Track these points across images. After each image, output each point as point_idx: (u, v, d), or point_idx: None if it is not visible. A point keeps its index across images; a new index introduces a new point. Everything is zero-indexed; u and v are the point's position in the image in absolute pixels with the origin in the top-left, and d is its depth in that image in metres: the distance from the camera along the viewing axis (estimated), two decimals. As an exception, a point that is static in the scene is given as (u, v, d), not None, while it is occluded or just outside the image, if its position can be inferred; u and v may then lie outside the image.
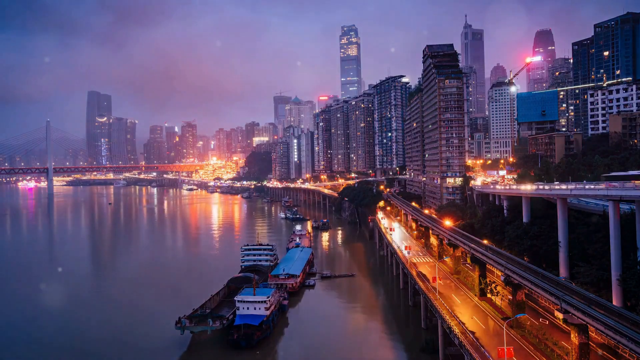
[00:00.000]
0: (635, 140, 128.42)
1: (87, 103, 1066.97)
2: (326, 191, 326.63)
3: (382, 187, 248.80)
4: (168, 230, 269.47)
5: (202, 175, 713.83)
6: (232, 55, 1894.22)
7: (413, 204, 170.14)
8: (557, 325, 62.88)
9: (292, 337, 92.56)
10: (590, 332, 51.34)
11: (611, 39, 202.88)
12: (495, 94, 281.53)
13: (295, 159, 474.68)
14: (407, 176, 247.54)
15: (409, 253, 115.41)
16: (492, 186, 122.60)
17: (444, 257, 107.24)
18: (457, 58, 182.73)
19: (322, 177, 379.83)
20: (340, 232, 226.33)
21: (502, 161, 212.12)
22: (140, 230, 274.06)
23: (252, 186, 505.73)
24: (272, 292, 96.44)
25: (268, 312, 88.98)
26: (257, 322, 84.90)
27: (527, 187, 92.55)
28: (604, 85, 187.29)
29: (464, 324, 64.46)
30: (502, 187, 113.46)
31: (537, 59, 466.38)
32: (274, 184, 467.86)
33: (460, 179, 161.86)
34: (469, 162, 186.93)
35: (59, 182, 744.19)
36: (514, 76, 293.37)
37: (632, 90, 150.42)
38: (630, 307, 55.12)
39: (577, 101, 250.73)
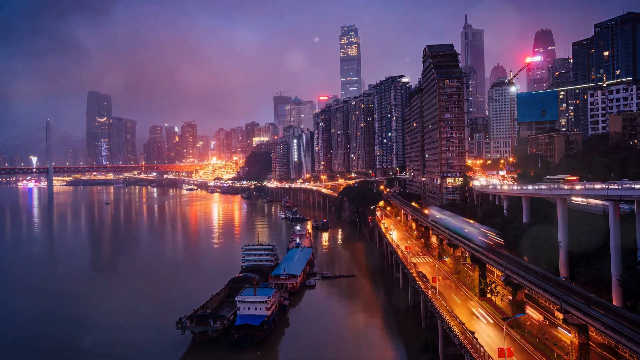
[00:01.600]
0: (635, 140, 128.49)
1: (87, 103, 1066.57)
2: (326, 191, 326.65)
3: (382, 187, 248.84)
4: (168, 231, 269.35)
5: (202, 175, 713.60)
6: (232, 54, 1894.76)
7: (413, 204, 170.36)
8: (557, 325, 63.01)
9: (292, 337, 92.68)
10: (590, 332, 51.46)
11: (611, 39, 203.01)
12: (495, 94, 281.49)
13: (295, 159, 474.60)
14: (407, 176, 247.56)
15: (409, 253, 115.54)
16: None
17: (444, 257, 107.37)
18: (457, 58, 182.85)
19: (322, 177, 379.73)
20: (340, 232, 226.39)
21: (502, 161, 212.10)
22: (140, 230, 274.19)
23: (252, 186, 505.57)
24: (272, 292, 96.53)
25: (269, 313, 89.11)
26: (257, 322, 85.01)
27: (527, 187, 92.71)
28: (604, 85, 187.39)
29: (464, 324, 64.58)
30: (505, 188, 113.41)
31: (537, 59, 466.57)
32: (274, 184, 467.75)
33: (460, 179, 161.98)
34: (469, 162, 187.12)
35: (59, 182, 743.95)
36: (514, 76, 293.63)
37: (632, 90, 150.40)
38: (630, 307, 55.24)
39: (577, 101, 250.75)
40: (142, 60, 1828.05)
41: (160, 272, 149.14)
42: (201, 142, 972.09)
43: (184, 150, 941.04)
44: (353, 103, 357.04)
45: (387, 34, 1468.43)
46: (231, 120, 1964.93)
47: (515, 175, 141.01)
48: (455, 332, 62.17)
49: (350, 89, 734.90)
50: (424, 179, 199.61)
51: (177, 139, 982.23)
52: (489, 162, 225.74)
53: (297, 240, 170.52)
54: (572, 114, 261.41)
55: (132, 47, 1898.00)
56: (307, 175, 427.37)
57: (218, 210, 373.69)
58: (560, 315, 52.28)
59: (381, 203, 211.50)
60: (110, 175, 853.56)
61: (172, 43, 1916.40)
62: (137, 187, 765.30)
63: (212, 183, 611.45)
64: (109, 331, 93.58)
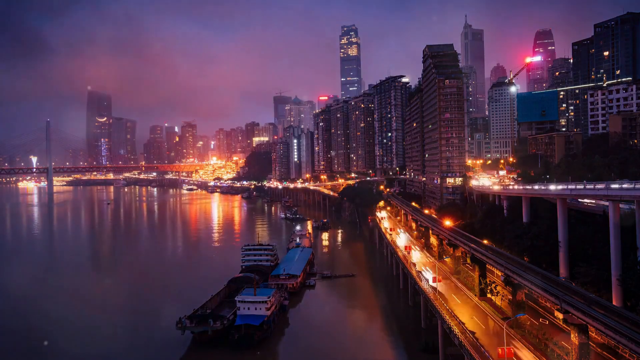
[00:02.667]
0: (635, 140, 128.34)
1: (87, 103, 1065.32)
2: (326, 191, 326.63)
3: (382, 187, 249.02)
4: (168, 230, 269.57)
5: (202, 175, 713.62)
6: (232, 54, 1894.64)
7: (413, 204, 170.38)
8: (557, 325, 62.95)
9: (292, 337, 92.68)
10: (590, 332, 51.44)
11: (611, 39, 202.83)
12: (495, 94, 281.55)
13: (295, 159, 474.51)
14: (407, 176, 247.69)
15: (408, 253, 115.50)
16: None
17: (444, 257, 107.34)
18: (457, 58, 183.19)
19: (322, 177, 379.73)
20: (340, 232, 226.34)
21: (502, 161, 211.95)
22: (140, 230, 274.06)
23: (252, 186, 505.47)
24: (272, 292, 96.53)
25: (269, 313, 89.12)
26: (257, 322, 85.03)
27: (527, 187, 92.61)
28: (604, 85, 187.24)
29: (464, 324, 64.54)
30: (502, 187, 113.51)
31: (537, 59, 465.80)
32: (274, 184, 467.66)
33: (460, 179, 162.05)
34: (469, 162, 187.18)
35: (59, 182, 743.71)
36: (514, 76, 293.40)
37: (632, 90, 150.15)
38: (630, 307, 55.22)
39: (577, 101, 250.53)
40: (141, 60, 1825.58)
41: (160, 271, 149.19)
42: (201, 142, 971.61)
43: (184, 150, 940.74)
44: (353, 103, 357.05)
45: (387, 34, 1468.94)
46: (231, 120, 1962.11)
47: (515, 175, 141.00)
48: (455, 332, 62.16)
49: (350, 89, 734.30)
50: (424, 179, 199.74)
51: (177, 139, 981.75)
52: (489, 162, 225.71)
53: (297, 240, 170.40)
54: (572, 114, 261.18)
55: (130, 46, 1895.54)
56: (307, 175, 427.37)
57: (218, 210, 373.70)
58: (561, 315, 52.21)
59: (381, 203, 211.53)
60: (110, 175, 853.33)
61: (171, 43, 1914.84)
62: (137, 187, 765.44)
63: (212, 183, 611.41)
64: (109, 331, 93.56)
